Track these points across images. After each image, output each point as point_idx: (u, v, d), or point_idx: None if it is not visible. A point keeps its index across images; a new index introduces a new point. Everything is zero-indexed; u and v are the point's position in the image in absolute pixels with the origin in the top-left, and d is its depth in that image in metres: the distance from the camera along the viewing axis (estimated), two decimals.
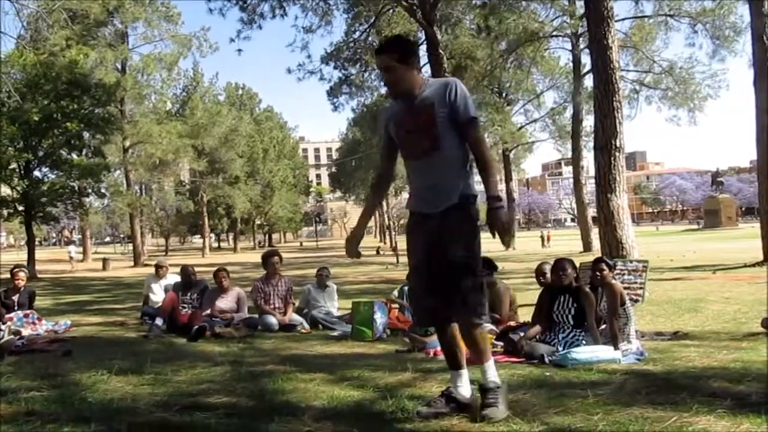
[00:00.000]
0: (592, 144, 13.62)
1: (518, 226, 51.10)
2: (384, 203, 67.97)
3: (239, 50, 25.22)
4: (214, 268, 8.41)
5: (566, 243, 37.03)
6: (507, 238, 3.06)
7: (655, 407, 3.12)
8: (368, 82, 29.05)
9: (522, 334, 5.25)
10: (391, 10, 24.94)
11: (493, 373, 3.15)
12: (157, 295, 8.70)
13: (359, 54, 26.65)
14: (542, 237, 43.72)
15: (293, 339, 6.74)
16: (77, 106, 24.30)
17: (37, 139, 24.35)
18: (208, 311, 7.57)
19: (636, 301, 8.29)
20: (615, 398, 3.38)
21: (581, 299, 5.10)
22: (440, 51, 20.36)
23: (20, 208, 25.07)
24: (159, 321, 7.16)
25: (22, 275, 7.83)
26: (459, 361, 3.23)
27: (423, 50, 28.25)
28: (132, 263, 35.85)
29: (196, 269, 8.47)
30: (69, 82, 23.89)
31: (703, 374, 3.99)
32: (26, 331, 6.89)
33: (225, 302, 7.84)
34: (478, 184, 3.21)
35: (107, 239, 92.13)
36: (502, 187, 59.89)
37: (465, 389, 3.20)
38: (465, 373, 3.24)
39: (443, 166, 3.14)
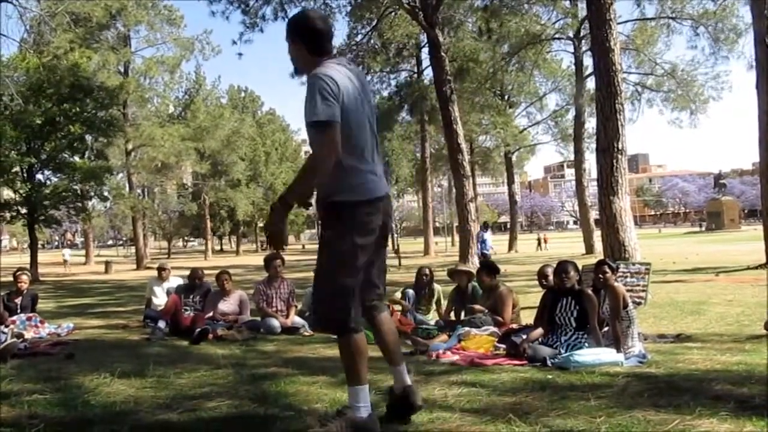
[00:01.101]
0: (594, 146, 13.59)
1: (520, 228, 50.96)
2: None
3: (240, 54, 25.34)
4: (217, 271, 8.42)
5: (567, 245, 37.00)
6: (273, 244, 2.85)
7: (658, 410, 3.12)
8: (370, 85, 29.05)
9: (524, 336, 5.25)
10: (393, 13, 24.95)
11: (353, 400, 2.87)
12: (160, 298, 8.70)
13: (361, 57, 26.65)
14: (539, 239, 42.15)
15: (295, 342, 6.74)
16: (80, 109, 24.37)
17: (39, 143, 24.44)
18: (211, 314, 7.58)
19: (639, 303, 8.30)
20: (617, 401, 3.38)
21: (584, 302, 5.10)
22: (442, 54, 20.35)
23: (23, 211, 25.13)
24: (161, 324, 7.16)
25: (24, 278, 7.83)
26: (389, 357, 3.11)
27: (425, 53, 28.47)
28: (134, 266, 35.89)
29: None
30: (72, 85, 23.96)
31: (706, 377, 3.99)
32: (29, 334, 6.89)
33: (227, 305, 7.85)
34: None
35: (109, 242, 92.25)
36: (503, 189, 59.94)
37: (401, 379, 3.05)
38: (398, 369, 3.07)
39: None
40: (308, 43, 2.88)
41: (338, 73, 2.78)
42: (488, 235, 18.13)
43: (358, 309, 2.93)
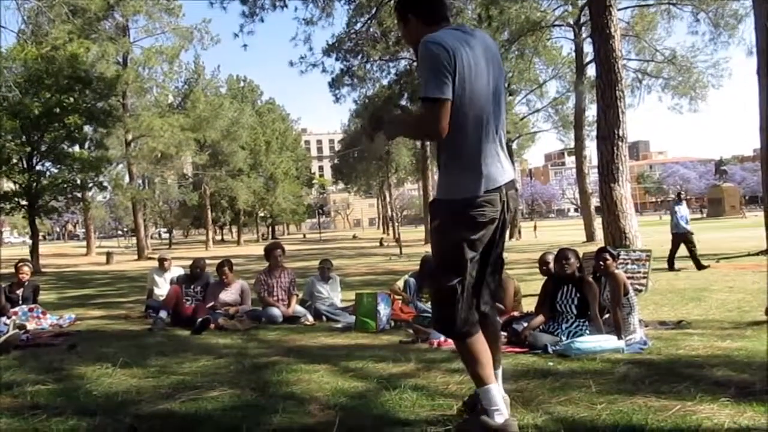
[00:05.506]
0: (594, 133, 13.56)
1: (521, 216, 50.97)
2: (387, 194, 68.00)
3: (245, 45, 24.61)
4: (218, 261, 8.43)
5: (564, 233, 36.98)
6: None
7: (659, 396, 3.13)
8: (370, 74, 28.99)
9: (525, 324, 5.25)
10: (392, 1, 24.82)
11: (485, 403, 2.62)
12: (161, 288, 8.71)
13: (360, 45, 26.53)
14: (519, 230, 39.19)
15: (297, 331, 6.76)
16: (79, 99, 24.29)
17: (38, 134, 24.37)
18: (212, 304, 7.59)
19: (639, 290, 8.31)
20: (618, 387, 3.39)
21: (584, 289, 5.10)
22: None
23: (23, 202, 25.10)
24: (163, 314, 7.17)
25: (26, 269, 7.83)
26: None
27: None
28: (136, 257, 35.91)
29: None
30: (70, 76, 23.87)
31: (706, 363, 3.99)
32: (31, 325, 6.92)
33: (229, 295, 7.86)
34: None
35: (110, 233, 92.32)
36: None
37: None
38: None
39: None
40: (423, 13, 2.63)
41: (452, 37, 2.49)
42: (682, 209, 13.68)
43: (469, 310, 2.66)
